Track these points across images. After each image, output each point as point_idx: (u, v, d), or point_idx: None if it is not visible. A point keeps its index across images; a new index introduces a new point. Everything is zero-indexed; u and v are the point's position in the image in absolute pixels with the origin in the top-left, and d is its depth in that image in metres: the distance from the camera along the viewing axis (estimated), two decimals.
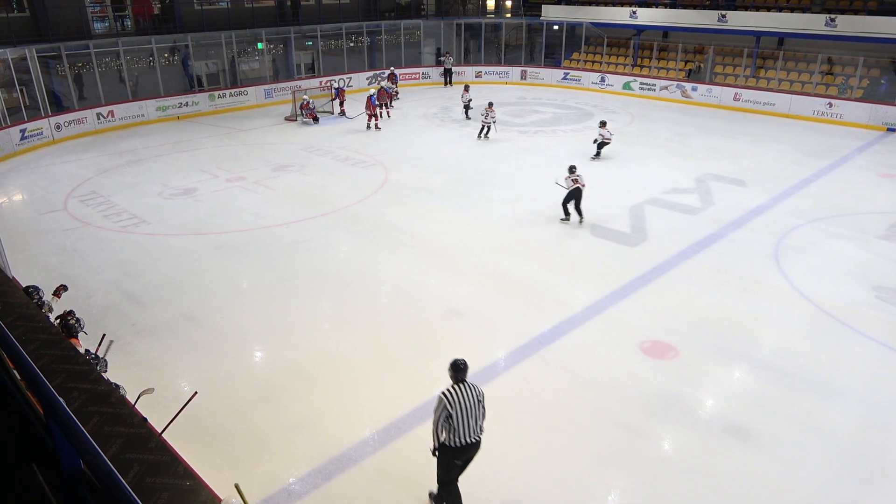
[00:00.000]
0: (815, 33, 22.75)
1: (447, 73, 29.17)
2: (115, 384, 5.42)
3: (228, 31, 24.45)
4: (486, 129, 19.48)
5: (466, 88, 22.35)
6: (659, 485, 6.16)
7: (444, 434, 5.41)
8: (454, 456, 5.47)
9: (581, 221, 12.79)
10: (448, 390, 5.36)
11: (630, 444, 6.68)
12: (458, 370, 5.40)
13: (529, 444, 6.67)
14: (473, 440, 5.41)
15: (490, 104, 19.53)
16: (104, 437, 2.10)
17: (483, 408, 5.47)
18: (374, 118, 20.70)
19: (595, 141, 17.40)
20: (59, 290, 7.64)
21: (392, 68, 26.38)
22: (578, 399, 7.40)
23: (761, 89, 23.72)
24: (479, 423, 5.44)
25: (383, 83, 23.61)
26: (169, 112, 22.60)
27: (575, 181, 12.64)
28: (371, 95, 20.82)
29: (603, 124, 17.42)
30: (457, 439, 5.34)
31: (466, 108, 22.21)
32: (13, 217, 13.70)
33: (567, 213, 12.91)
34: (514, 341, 8.53)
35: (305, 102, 21.76)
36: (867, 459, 6.53)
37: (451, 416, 5.30)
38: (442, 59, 29.64)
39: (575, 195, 12.69)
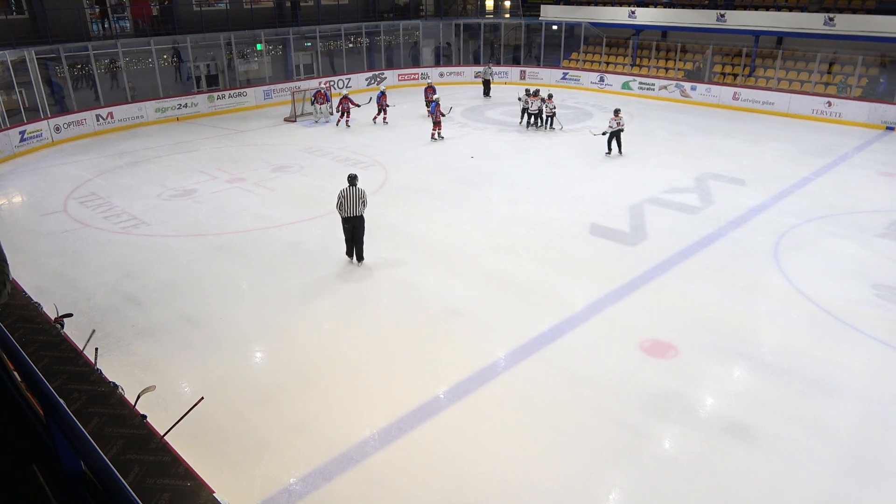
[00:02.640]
0: (814, 32, 22.77)
1: (486, 85, 26.76)
2: (114, 383, 5.40)
3: (227, 32, 24.46)
4: (550, 120, 20.61)
5: (535, 94, 20.73)
6: (659, 483, 6.16)
7: (342, 212, 10.48)
8: (345, 223, 10.60)
9: (621, 153, 17.37)
10: (342, 190, 10.50)
11: (630, 444, 6.68)
12: (350, 180, 10.57)
13: (530, 444, 6.67)
14: (353, 215, 10.47)
15: (550, 95, 20.69)
16: (105, 438, 2.10)
17: (361, 200, 10.48)
18: (437, 126, 19.30)
19: (605, 133, 17.57)
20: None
21: (429, 81, 23.84)
22: (578, 399, 7.40)
23: (760, 88, 23.73)
24: (357, 207, 10.44)
25: (435, 97, 20.33)
26: (168, 113, 22.60)
27: (618, 123, 17.05)
28: (434, 101, 19.35)
29: (616, 112, 17.40)
30: (345, 214, 10.47)
31: (535, 114, 20.71)
32: (13, 219, 13.71)
33: (609, 148, 17.43)
34: (513, 341, 8.53)
35: (346, 97, 21.01)
36: (868, 458, 6.53)
37: (342, 203, 10.44)
38: (482, 69, 27.37)
39: (616, 135, 17.19)
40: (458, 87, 28.72)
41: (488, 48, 31.76)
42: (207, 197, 14.52)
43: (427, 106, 21.94)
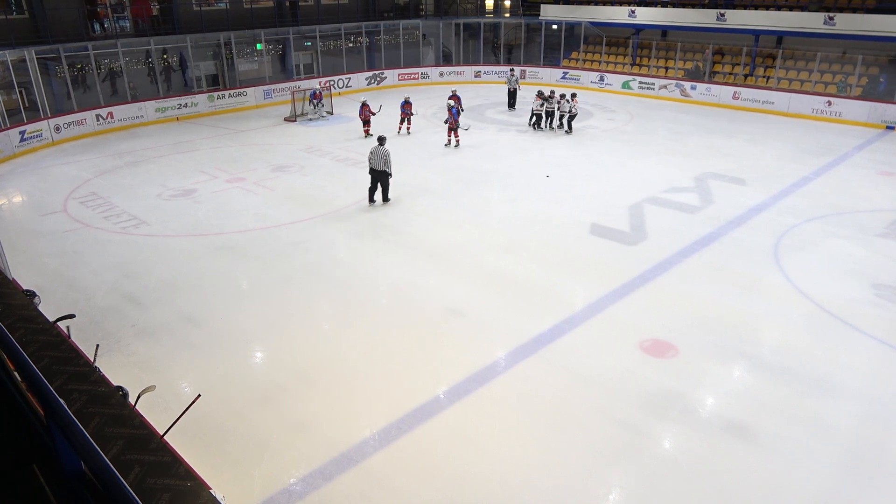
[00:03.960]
0: (814, 32, 22.77)
1: (511, 96, 23.68)
2: (121, 388, 5.40)
3: (227, 31, 24.46)
4: (550, 119, 20.27)
5: (541, 94, 20.28)
6: (659, 483, 6.16)
7: (369, 164, 13.51)
8: (370, 174, 13.61)
9: (569, 131, 20.06)
10: (372, 147, 13.44)
11: (631, 443, 6.68)
12: (379, 140, 13.48)
13: (530, 444, 6.67)
14: (376, 169, 13.45)
15: (552, 94, 20.45)
16: (105, 439, 2.10)
17: (384, 159, 13.32)
18: (453, 133, 18.37)
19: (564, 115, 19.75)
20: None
21: (454, 90, 21.20)
22: (579, 398, 7.41)
23: (760, 88, 23.73)
24: (380, 163, 13.35)
25: (450, 101, 19.43)
26: (168, 113, 22.60)
27: (576, 106, 19.98)
28: (452, 108, 18.37)
29: (573, 96, 19.90)
30: (371, 167, 13.51)
31: (538, 115, 20.24)
32: (13, 219, 13.71)
33: (570, 128, 20.08)
34: (514, 341, 8.54)
35: (365, 104, 19.39)
36: (868, 457, 6.54)
37: (370, 158, 13.44)
38: (509, 76, 24.33)
39: (573, 116, 20.05)
40: (459, 86, 28.67)
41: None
42: (207, 197, 14.52)
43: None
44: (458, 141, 18.60)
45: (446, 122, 18.36)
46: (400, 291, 10.05)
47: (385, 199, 13.84)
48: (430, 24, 31.52)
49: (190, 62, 24.09)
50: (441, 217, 13.20)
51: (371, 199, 13.84)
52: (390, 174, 13.56)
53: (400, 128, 20.03)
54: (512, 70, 25.37)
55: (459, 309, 9.40)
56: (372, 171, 13.56)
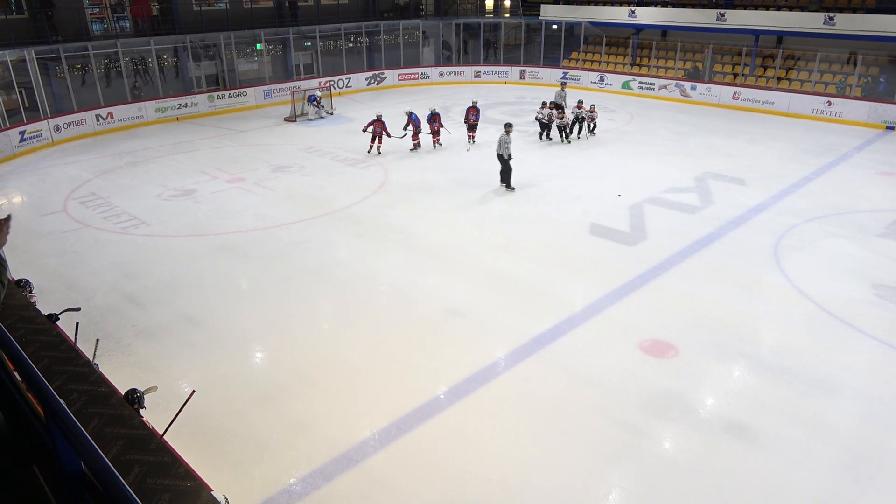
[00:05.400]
0: (814, 32, 22.76)
1: (557, 109, 19.46)
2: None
3: (227, 31, 24.46)
4: (573, 128, 19.06)
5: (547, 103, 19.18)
6: (659, 483, 6.16)
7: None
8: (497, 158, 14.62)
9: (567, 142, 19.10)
10: (503, 135, 14.31)
11: (630, 443, 6.68)
12: (505, 125, 14.47)
13: (530, 444, 6.67)
14: (496, 152, 14.46)
15: (584, 104, 19.38)
16: (105, 439, 2.10)
17: (500, 143, 14.28)
18: (415, 137, 18.00)
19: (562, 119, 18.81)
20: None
21: (474, 101, 18.95)
22: (579, 398, 7.41)
23: (760, 88, 23.72)
24: (497, 147, 14.36)
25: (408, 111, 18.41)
26: (168, 113, 22.59)
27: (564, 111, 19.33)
28: (412, 113, 18.02)
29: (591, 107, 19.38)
30: (495, 152, 14.56)
31: (546, 124, 18.82)
32: (12, 219, 13.68)
33: (572, 132, 19.21)
34: (513, 341, 8.53)
35: (377, 119, 17.61)
36: (868, 457, 6.53)
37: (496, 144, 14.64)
38: (557, 91, 21.27)
39: (575, 122, 19.36)
40: (458, 86, 28.70)
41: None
42: (207, 197, 14.51)
43: (470, 130, 18.55)
44: (417, 144, 18.06)
45: (412, 131, 17.92)
46: (400, 291, 10.05)
47: (507, 185, 14.57)
48: (430, 24, 31.50)
49: (190, 62, 24.09)
50: (441, 217, 13.20)
51: (501, 181, 14.72)
52: (506, 159, 14.27)
53: (435, 141, 18.44)
54: (564, 83, 22.22)
55: (459, 309, 9.39)
56: (497, 154, 14.54)
